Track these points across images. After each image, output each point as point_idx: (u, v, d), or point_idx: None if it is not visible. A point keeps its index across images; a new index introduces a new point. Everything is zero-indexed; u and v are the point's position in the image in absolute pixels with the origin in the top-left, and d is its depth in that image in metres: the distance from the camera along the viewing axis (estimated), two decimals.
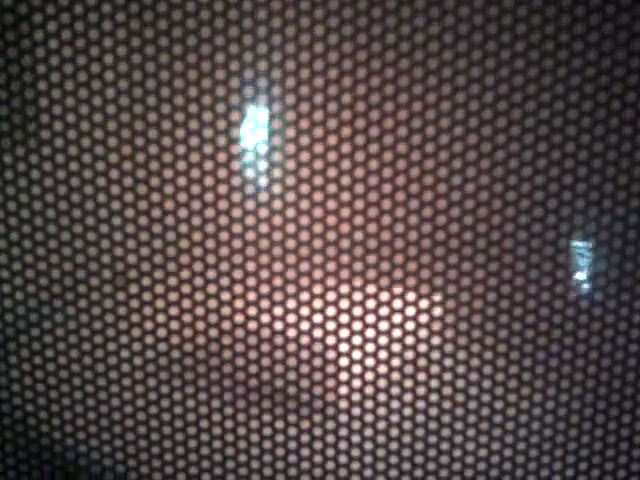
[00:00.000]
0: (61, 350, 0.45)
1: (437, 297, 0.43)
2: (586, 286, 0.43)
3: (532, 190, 0.41)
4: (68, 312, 0.44)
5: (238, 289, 0.43)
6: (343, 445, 0.45)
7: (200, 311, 0.43)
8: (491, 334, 0.43)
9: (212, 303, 0.43)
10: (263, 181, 0.42)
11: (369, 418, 0.44)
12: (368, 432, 0.44)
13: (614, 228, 0.41)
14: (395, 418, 0.44)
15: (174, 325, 0.44)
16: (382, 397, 0.44)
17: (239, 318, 0.43)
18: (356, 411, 0.44)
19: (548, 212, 0.41)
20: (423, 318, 0.43)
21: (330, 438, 0.45)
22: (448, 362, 0.43)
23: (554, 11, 0.38)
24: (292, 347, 0.43)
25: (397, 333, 0.43)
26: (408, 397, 0.44)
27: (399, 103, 0.40)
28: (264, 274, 0.42)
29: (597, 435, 0.44)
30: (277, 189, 0.41)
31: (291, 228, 0.42)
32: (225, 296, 0.43)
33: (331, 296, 0.42)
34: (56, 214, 0.43)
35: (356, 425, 0.44)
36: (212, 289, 0.43)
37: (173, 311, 0.43)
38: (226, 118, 0.40)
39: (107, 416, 0.45)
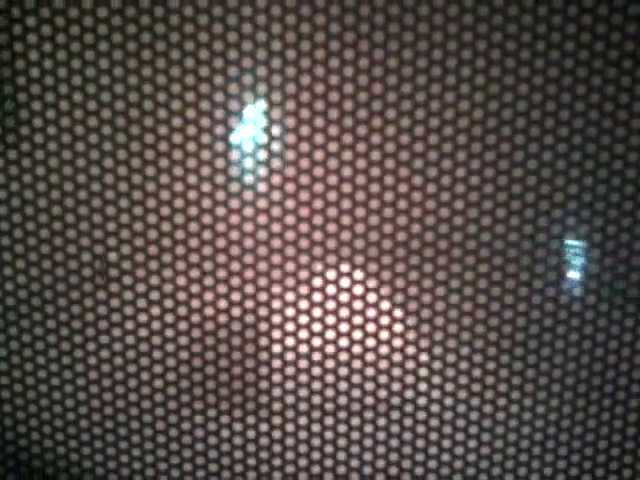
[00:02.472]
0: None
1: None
2: (579, 286, 0.43)
3: (524, 190, 0.41)
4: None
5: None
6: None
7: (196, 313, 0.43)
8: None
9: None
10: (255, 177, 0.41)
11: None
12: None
13: (607, 229, 0.41)
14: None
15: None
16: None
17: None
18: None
19: (540, 213, 0.41)
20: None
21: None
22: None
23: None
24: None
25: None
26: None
27: (389, 102, 0.40)
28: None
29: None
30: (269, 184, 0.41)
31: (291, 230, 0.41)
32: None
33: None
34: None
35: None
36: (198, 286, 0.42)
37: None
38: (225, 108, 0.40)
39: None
